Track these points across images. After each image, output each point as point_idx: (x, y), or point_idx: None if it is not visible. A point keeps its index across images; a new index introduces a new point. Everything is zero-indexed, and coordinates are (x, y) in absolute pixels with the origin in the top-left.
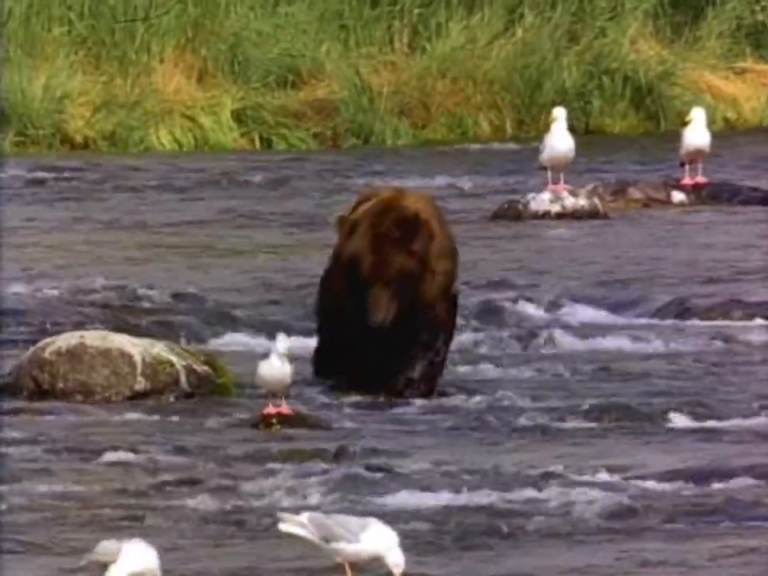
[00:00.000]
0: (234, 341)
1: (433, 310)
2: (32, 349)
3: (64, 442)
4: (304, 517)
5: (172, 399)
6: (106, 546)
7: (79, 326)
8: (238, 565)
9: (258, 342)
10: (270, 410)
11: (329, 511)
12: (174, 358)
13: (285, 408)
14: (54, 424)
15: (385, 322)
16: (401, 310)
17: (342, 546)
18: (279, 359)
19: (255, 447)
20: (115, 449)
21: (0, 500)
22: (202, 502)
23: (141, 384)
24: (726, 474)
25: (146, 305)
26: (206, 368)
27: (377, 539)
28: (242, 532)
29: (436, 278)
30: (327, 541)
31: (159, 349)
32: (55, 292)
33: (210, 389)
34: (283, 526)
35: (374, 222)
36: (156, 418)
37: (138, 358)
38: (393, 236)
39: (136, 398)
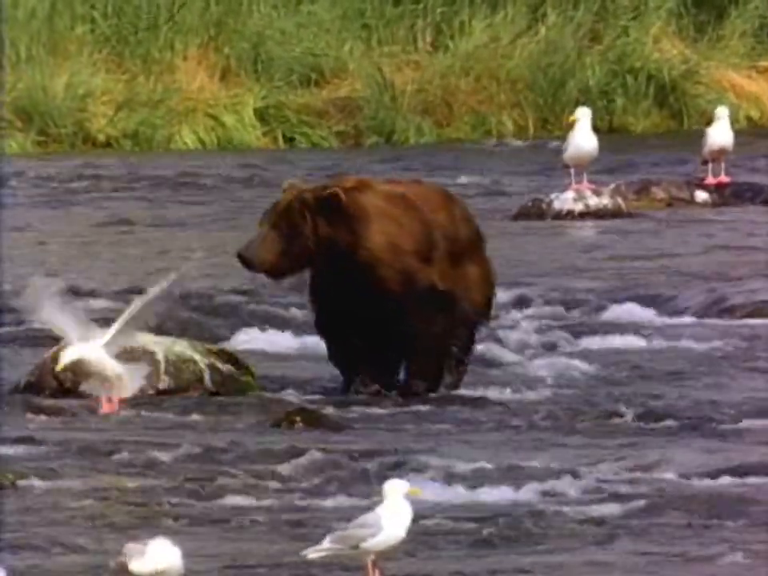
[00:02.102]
0: (254, 339)
1: (400, 305)
2: (55, 347)
3: (87, 441)
4: (325, 542)
5: (196, 397)
6: (132, 547)
7: (101, 324)
8: (262, 563)
9: (278, 340)
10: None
11: (352, 509)
12: (197, 357)
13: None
14: (77, 422)
15: (251, 262)
16: (285, 263)
17: (369, 543)
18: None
19: (279, 445)
20: (139, 447)
21: (20, 498)
22: (225, 500)
23: (165, 382)
24: (755, 472)
25: (167, 303)
26: (229, 366)
27: (395, 516)
28: (265, 531)
29: (388, 271)
30: (356, 547)
31: (182, 347)
32: (76, 290)
33: (234, 387)
34: (311, 556)
35: (306, 189)
36: (180, 416)
37: (161, 357)
38: (305, 200)
39: (160, 396)
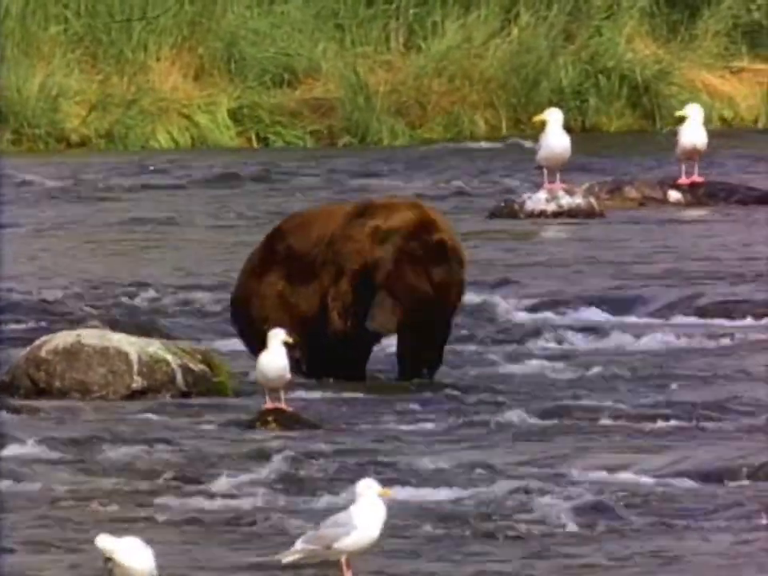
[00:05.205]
0: (230, 340)
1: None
2: (29, 347)
3: (60, 441)
4: (297, 544)
5: (168, 398)
6: (104, 539)
7: (76, 324)
8: (235, 564)
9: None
10: (269, 405)
11: (326, 509)
12: (169, 357)
13: (284, 404)
14: (51, 423)
15: None
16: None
17: (344, 542)
18: (279, 352)
19: (252, 446)
20: (111, 447)
21: None
22: (198, 502)
23: (137, 383)
24: (730, 473)
25: (143, 303)
26: (202, 366)
27: (368, 515)
28: (238, 531)
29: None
30: (329, 547)
31: (155, 347)
32: (51, 290)
33: (207, 387)
34: (285, 559)
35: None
36: (152, 416)
37: (134, 357)
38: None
39: (132, 396)
